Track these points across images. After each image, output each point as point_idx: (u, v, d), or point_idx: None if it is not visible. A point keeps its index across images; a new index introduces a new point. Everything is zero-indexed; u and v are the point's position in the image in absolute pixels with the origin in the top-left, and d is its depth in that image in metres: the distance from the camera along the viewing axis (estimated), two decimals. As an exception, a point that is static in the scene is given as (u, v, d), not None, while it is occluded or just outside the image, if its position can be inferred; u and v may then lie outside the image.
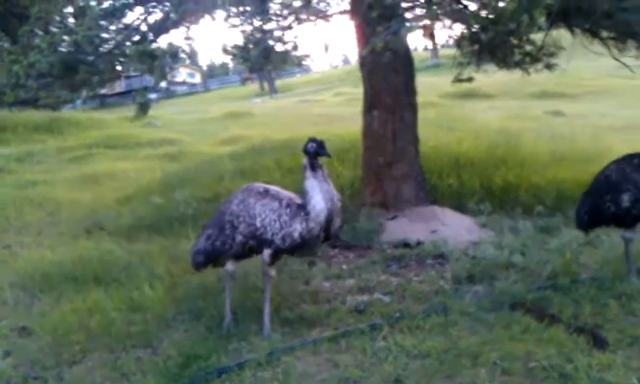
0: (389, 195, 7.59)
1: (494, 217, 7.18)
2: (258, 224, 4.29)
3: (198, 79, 64.67)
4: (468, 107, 16.66)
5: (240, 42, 8.10)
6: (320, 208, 4.19)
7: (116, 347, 4.56)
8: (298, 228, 4.21)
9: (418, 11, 6.65)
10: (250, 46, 8.06)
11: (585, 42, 7.31)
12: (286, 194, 4.51)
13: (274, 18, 7.22)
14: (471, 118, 13.98)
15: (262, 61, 7.70)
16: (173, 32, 7.91)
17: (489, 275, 5.35)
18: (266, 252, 4.36)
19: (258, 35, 7.91)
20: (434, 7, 5.51)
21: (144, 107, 21.64)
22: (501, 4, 5.19)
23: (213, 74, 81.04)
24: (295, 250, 4.40)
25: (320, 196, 4.19)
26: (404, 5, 7.84)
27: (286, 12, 7.19)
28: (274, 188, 4.59)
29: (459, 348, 3.94)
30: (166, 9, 6.78)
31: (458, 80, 8.61)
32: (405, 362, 3.85)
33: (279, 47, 8.63)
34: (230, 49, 7.64)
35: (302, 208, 4.24)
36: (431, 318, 4.50)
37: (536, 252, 5.79)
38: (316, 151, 4.29)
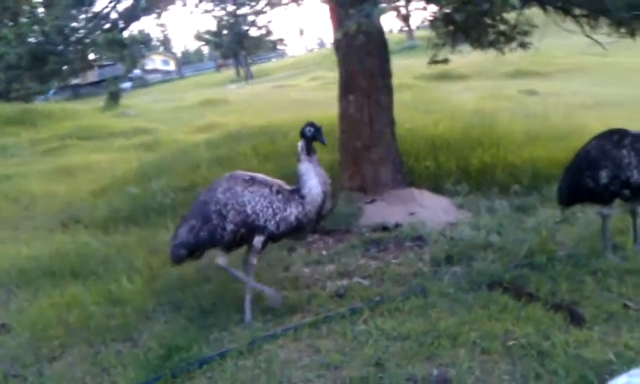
0: (367, 179, 7.60)
1: (471, 197, 7.24)
2: (249, 211, 4.26)
3: (172, 66, 63.87)
4: (444, 88, 16.72)
5: (213, 27, 8.02)
6: (317, 192, 4.27)
7: (95, 341, 4.52)
8: (294, 212, 4.26)
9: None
10: (224, 32, 7.97)
11: (557, 19, 7.36)
12: (274, 180, 4.49)
13: (246, 1, 7.14)
14: (447, 100, 14.04)
15: (235, 46, 7.63)
16: (145, 19, 7.80)
17: (466, 256, 5.40)
18: (258, 239, 4.36)
19: (232, 20, 7.83)
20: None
21: (114, 96, 21.37)
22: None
23: (187, 60, 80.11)
24: (288, 235, 4.43)
25: (316, 180, 4.26)
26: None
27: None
28: (260, 175, 4.53)
29: (438, 329, 3.97)
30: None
31: (433, 61, 8.65)
32: (385, 344, 3.87)
33: (253, 32, 8.55)
34: (203, 35, 7.56)
35: (296, 192, 4.29)
36: (410, 300, 4.53)
37: (513, 231, 5.86)
38: (313, 135, 4.35)
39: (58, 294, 5.36)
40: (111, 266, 5.93)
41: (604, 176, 4.84)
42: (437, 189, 7.64)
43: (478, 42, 8.31)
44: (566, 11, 6.98)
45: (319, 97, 16.23)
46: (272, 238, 4.40)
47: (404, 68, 19.25)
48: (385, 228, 6.54)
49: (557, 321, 3.98)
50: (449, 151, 8.41)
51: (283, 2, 7.77)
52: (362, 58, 7.36)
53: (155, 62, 61.74)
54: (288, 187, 4.40)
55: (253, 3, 7.53)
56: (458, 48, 8.65)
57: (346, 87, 7.65)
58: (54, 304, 5.15)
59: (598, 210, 5.11)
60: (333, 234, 6.58)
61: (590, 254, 5.10)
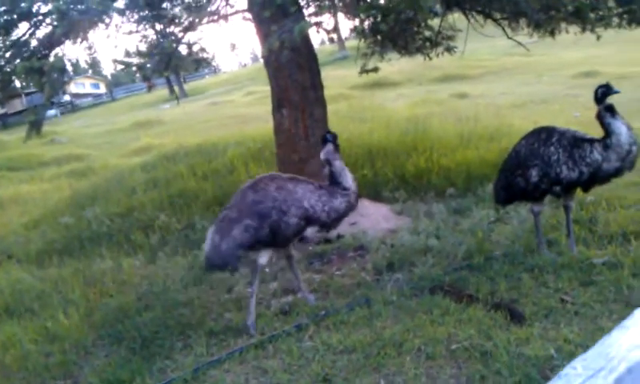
0: (306, 192, 7.58)
1: (409, 203, 7.34)
2: (306, 205, 4.55)
3: (102, 89, 62.30)
4: (378, 97, 16.95)
5: (140, 47, 7.86)
6: (355, 185, 4.80)
7: (34, 382, 4.33)
8: (342, 202, 4.68)
9: (311, 9, 6.70)
10: (154, 51, 7.83)
11: (479, 24, 7.58)
12: (307, 179, 4.91)
13: (168, 20, 7.03)
14: (381, 107, 14.24)
15: (161, 68, 7.48)
16: (69, 44, 7.57)
17: (408, 262, 5.46)
18: (311, 229, 4.68)
19: (157, 38, 7.71)
20: (326, 3, 5.53)
21: (36, 125, 20.46)
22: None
23: (118, 82, 78.32)
24: (335, 223, 4.78)
25: (350, 175, 4.78)
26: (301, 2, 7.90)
27: (178, 11, 7.02)
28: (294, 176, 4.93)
29: (384, 338, 3.98)
30: (55, 23, 6.44)
31: (364, 71, 8.75)
32: (332, 359, 3.85)
33: (182, 50, 8.44)
34: (122, 59, 7.41)
35: (336, 186, 4.70)
36: (355, 311, 4.53)
37: (450, 234, 5.97)
38: (333, 141, 4.81)
39: (-7, 334, 5.10)
40: (47, 302, 5.71)
41: (534, 174, 4.93)
42: (376, 197, 7.71)
43: (406, 49, 8.48)
44: (487, 15, 7.19)
45: (255, 112, 16.18)
46: (324, 226, 4.74)
47: (338, 78, 19.48)
48: (327, 240, 6.54)
49: (498, 320, 4.05)
50: (385, 159, 8.52)
51: (212, 19, 7.69)
52: (293, 72, 7.37)
53: (85, 85, 60.11)
54: (323, 184, 4.79)
55: (177, 21, 7.37)
56: (386, 56, 8.80)
57: (279, 102, 7.63)
58: (-12, 346, 4.90)
59: (530, 207, 5.25)
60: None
61: (525, 252, 5.23)
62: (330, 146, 4.77)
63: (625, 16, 6.35)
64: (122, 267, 6.45)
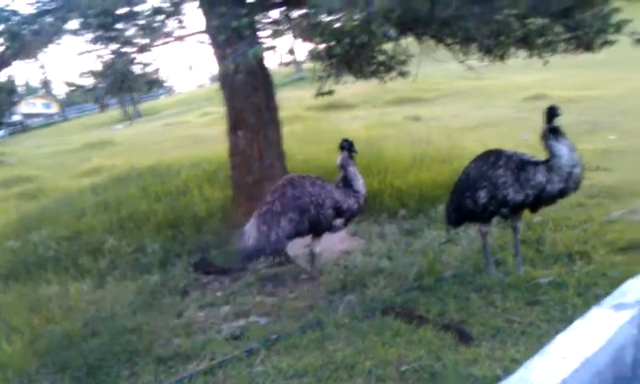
0: (260, 214, 7.56)
1: (363, 224, 7.37)
2: (337, 198, 5.17)
3: (54, 109, 60.83)
4: (333, 118, 17.03)
5: (94, 67, 7.72)
6: (364, 188, 5.42)
7: (-27, 414, 4.16)
8: (354, 203, 5.28)
9: (266, 33, 6.73)
10: (108, 72, 7.70)
11: (431, 48, 7.72)
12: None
13: (122, 41, 6.95)
14: (337, 129, 14.30)
15: (115, 87, 7.37)
16: (19, 64, 7.39)
17: (360, 283, 5.48)
18: (339, 220, 5.26)
19: (112, 58, 7.60)
20: (280, 28, 5.57)
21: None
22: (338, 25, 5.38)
23: (71, 101, 76.64)
24: (348, 221, 5.43)
25: (362, 181, 5.39)
26: (262, 22, 7.93)
27: (133, 33, 6.95)
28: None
29: (335, 361, 3.97)
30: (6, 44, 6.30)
31: (319, 93, 8.80)
32: (283, 384, 3.82)
33: (136, 69, 8.34)
34: (71, 81, 7.28)
35: (349, 188, 5.30)
36: (307, 334, 4.51)
37: (402, 255, 6.02)
38: (349, 147, 5.38)
39: None
40: (-11, 329, 5.47)
41: (483, 196, 5.04)
42: (330, 218, 7.70)
43: (360, 73, 8.58)
44: (439, 40, 7.34)
45: (210, 133, 16.02)
46: (347, 219, 5.35)
47: (294, 100, 19.49)
48: (280, 262, 6.51)
49: (447, 341, 4.09)
50: (340, 180, 8.53)
51: (166, 41, 7.63)
52: (249, 94, 7.37)
53: (36, 105, 58.63)
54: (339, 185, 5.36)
55: (136, 40, 7.30)
56: (342, 79, 8.88)
57: (235, 123, 7.61)
58: None
59: (478, 227, 5.35)
60: (228, 273, 6.47)
61: (474, 272, 5.32)
62: (345, 153, 5.36)
63: (571, 41, 6.57)
64: (69, 292, 6.26)
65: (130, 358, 4.47)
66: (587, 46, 6.55)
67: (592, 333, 1.46)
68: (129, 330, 5.10)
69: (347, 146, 5.38)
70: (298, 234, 5.07)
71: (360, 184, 5.34)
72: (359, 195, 5.32)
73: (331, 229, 5.30)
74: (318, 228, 5.17)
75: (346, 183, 5.32)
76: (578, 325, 1.53)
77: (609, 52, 6.83)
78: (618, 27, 6.22)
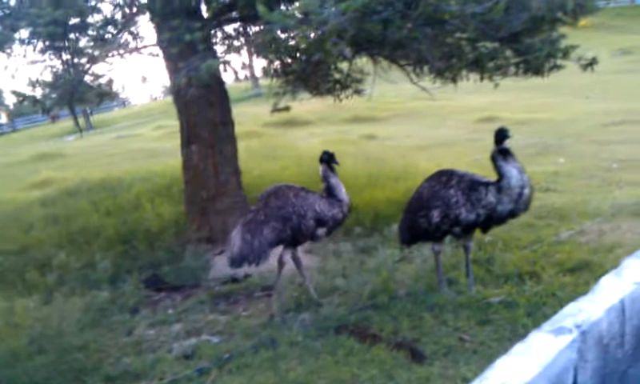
0: (215, 230, 7.49)
1: (319, 242, 7.35)
2: (318, 209, 5.33)
3: (3, 119, 58.94)
4: (290, 135, 17.05)
5: (44, 77, 7.49)
6: (347, 197, 5.57)
7: None
8: (338, 212, 5.46)
9: (221, 48, 6.70)
10: (60, 81, 7.50)
11: (384, 68, 7.83)
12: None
13: (73, 51, 6.79)
14: (294, 146, 14.32)
15: (65, 98, 7.18)
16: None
17: (315, 302, 5.44)
18: (322, 230, 5.42)
19: (64, 68, 7.42)
20: (235, 43, 5.55)
21: None
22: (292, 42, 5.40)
23: (21, 112, 74.45)
24: (333, 228, 5.59)
25: (344, 190, 5.55)
26: (217, 37, 7.88)
27: (85, 43, 6.80)
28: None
29: (288, 381, 3.94)
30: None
31: (275, 109, 8.79)
32: (234, 404, 3.75)
33: (89, 80, 8.16)
34: (18, 91, 7.05)
35: (333, 197, 5.48)
36: (260, 353, 4.46)
37: (357, 273, 6.02)
38: (328, 159, 5.57)
39: None
40: None
41: (436, 215, 5.10)
42: (285, 235, 7.66)
43: (317, 90, 8.63)
44: (393, 61, 7.44)
45: (164, 146, 15.78)
46: (330, 228, 5.52)
47: (251, 115, 19.44)
48: (234, 280, 6.44)
49: (400, 360, 4.11)
50: (295, 197, 8.51)
51: (119, 53, 7.49)
52: (203, 108, 7.31)
53: (-17, 114, 56.75)
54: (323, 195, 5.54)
55: (87, 51, 7.13)
56: (298, 96, 8.90)
57: (188, 138, 7.52)
58: None
59: (431, 246, 5.41)
60: (180, 290, 6.35)
61: (427, 290, 5.37)
62: (325, 165, 5.57)
63: (521, 65, 6.75)
64: (15, 308, 6.02)
65: (78, 376, 4.33)
66: (536, 71, 6.74)
67: (531, 358, 1.47)
68: (76, 348, 4.93)
69: (327, 158, 5.61)
70: (280, 242, 5.28)
71: (343, 193, 5.54)
72: (342, 204, 5.52)
73: (314, 238, 5.50)
74: (299, 237, 5.35)
75: (330, 193, 5.53)
76: (518, 349, 1.53)
77: (557, 76, 7.07)
78: (566, 52, 6.43)
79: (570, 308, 1.72)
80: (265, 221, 5.19)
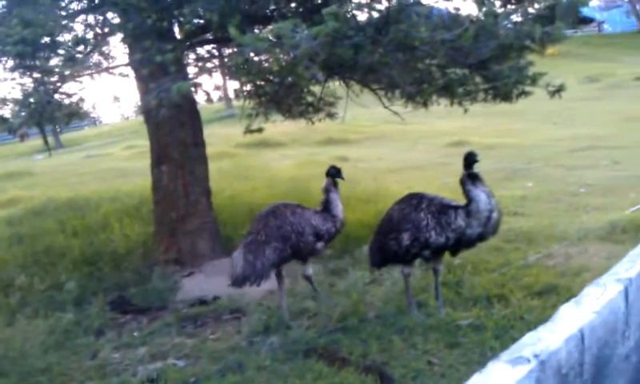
0: (183, 251, 7.41)
1: (289, 264, 7.31)
2: (314, 223, 5.50)
3: (-31, 136, 57.78)
4: (263, 156, 17.02)
5: (14, 95, 7.38)
6: (342, 213, 5.74)
7: None
8: (332, 227, 5.62)
9: (193, 69, 6.69)
10: (30, 100, 7.40)
11: (356, 92, 7.91)
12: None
13: (43, 71, 6.71)
14: (266, 167, 14.30)
15: (35, 117, 7.07)
16: None
17: (284, 324, 5.39)
18: (320, 244, 5.58)
19: (34, 87, 7.33)
20: (207, 65, 5.55)
21: None
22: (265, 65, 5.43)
23: (-13, 129, 72.96)
24: (328, 242, 5.77)
25: (340, 206, 5.73)
26: (190, 58, 7.86)
27: (56, 62, 6.73)
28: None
29: (255, 406, 3.87)
30: None
31: (248, 131, 8.79)
32: (199, 430, 3.68)
33: (58, 100, 8.06)
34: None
35: (327, 213, 5.64)
36: (227, 377, 4.40)
37: (326, 296, 6.00)
38: (334, 174, 5.74)
39: None
40: None
41: (406, 238, 5.12)
42: (256, 257, 7.60)
43: (289, 113, 8.67)
44: (365, 85, 7.52)
45: (135, 166, 15.61)
46: (326, 242, 5.71)
47: (223, 136, 19.38)
48: (202, 302, 6.36)
49: (368, 383, 4.08)
50: (267, 218, 8.47)
51: (88, 72, 7.42)
52: (174, 128, 7.27)
53: (-52, 131, 55.59)
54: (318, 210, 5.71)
55: (58, 70, 7.04)
56: (271, 117, 8.93)
57: (159, 158, 7.46)
58: None
59: (401, 268, 5.42)
60: (147, 312, 6.25)
61: (396, 313, 5.37)
62: (330, 179, 5.72)
63: (490, 91, 6.87)
64: (-25, 330, 5.85)
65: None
66: (505, 97, 6.87)
67: None
68: (39, 371, 4.81)
69: (333, 172, 5.77)
70: (282, 261, 5.45)
71: (339, 210, 5.68)
72: (336, 220, 5.66)
73: (314, 253, 5.64)
74: (300, 254, 5.51)
75: (326, 207, 5.67)
76: (476, 380, 1.53)
77: (526, 102, 7.21)
78: (534, 79, 6.57)
79: (528, 337, 1.73)
80: (266, 241, 5.30)
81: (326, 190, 5.73)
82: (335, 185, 5.76)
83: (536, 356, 1.59)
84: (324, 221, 5.58)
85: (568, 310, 1.90)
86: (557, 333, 1.74)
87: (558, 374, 1.66)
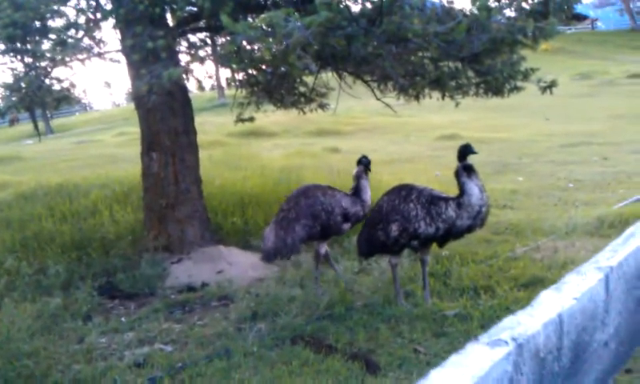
0: (173, 238, 7.39)
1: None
2: (344, 205, 5.76)
3: (-41, 120, 57.26)
4: (254, 145, 17.01)
5: (5, 79, 7.36)
6: (370, 199, 5.97)
7: None
8: (360, 210, 5.85)
9: (184, 57, 6.66)
10: (22, 85, 7.36)
11: (349, 84, 7.90)
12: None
13: (34, 55, 6.67)
14: (257, 156, 14.29)
15: (25, 102, 7.04)
16: None
17: (272, 311, 5.42)
18: (347, 225, 5.83)
19: (26, 71, 7.29)
20: (198, 52, 5.53)
21: None
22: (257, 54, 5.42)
23: (-23, 113, 72.30)
24: (354, 224, 5.96)
25: (369, 193, 5.97)
26: (182, 45, 7.83)
27: (47, 47, 6.69)
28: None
29: (241, 391, 3.90)
30: None
31: (239, 120, 8.78)
32: (186, 414, 3.70)
33: (49, 85, 8.02)
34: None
35: (357, 197, 5.91)
36: (214, 363, 4.41)
37: (315, 284, 6.02)
38: (367, 163, 6.06)
39: None
40: None
41: (395, 229, 5.16)
42: (245, 245, 7.64)
43: (281, 103, 8.65)
44: (357, 76, 7.52)
45: (125, 153, 15.54)
46: (352, 224, 5.93)
47: (216, 125, 19.35)
48: (191, 288, 6.37)
49: (354, 371, 4.12)
50: (257, 207, 8.48)
51: (82, 56, 7.37)
52: (165, 116, 7.23)
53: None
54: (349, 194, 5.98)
55: (49, 55, 7.02)
56: (263, 107, 8.91)
57: (149, 145, 7.42)
58: None
59: (389, 259, 5.46)
60: (135, 298, 6.25)
61: (384, 302, 5.41)
62: (361, 167, 6.02)
63: (481, 86, 6.90)
64: (-38, 314, 5.83)
65: (26, 383, 4.20)
66: (497, 91, 6.90)
67: (466, 369, 1.48)
68: (25, 355, 4.78)
69: (365, 162, 6.06)
70: (311, 237, 5.72)
71: (367, 196, 5.94)
72: (365, 204, 5.90)
73: (340, 232, 5.96)
74: (328, 232, 5.76)
75: (356, 192, 5.93)
76: (454, 360, 1.55)
77: (518, 97, 7.24)
78: (526, 74, 6.61)
79: (507, 321, 1.75)
80: (296, 218, 5.58)
81: (357, 177, 5.99)
82: (366, 172, 6.04)
83: (514, 339, 1.62)
84: (353, 204, 5.83)
85: (548, 295, 1.93)
86: (535, 317, 1.76)
87: (535, 357, 1.68)
